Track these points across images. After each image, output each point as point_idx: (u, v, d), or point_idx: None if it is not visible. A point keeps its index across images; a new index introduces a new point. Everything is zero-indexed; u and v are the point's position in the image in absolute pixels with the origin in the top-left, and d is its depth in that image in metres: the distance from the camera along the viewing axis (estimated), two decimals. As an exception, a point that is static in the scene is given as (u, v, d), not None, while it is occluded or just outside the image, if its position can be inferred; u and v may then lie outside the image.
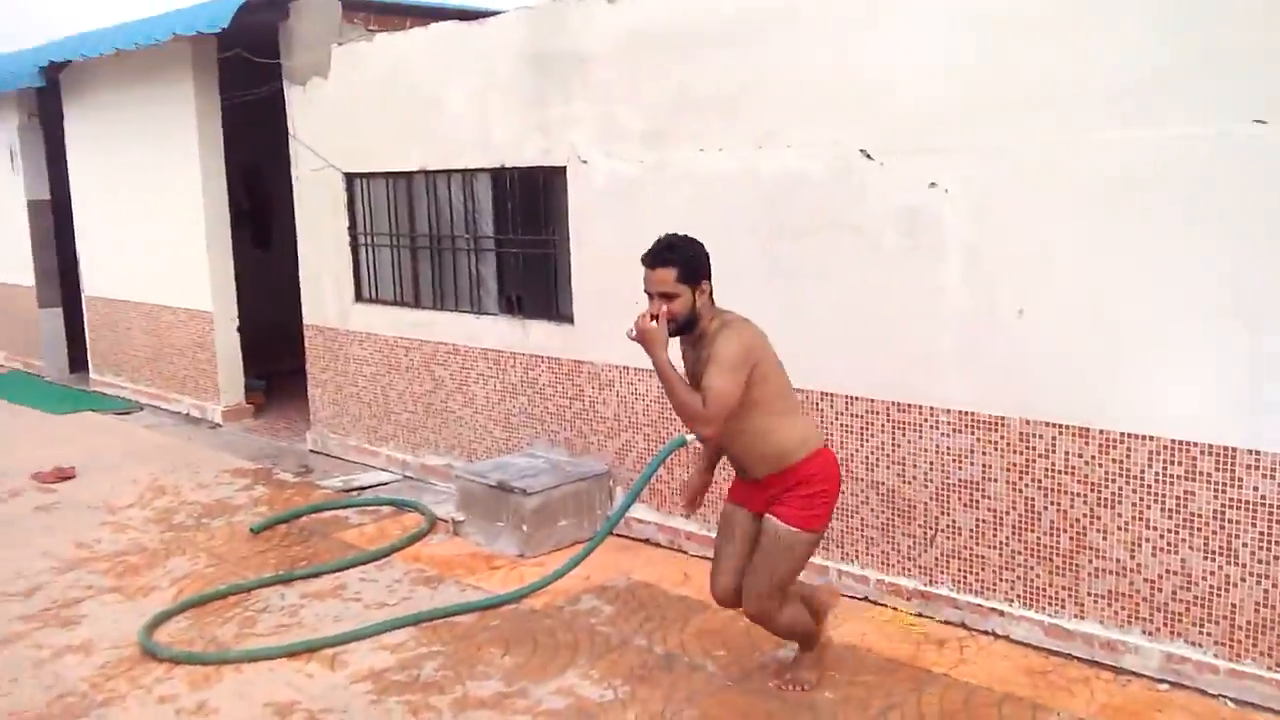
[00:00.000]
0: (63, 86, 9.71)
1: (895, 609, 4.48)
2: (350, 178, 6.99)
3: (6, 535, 5.92)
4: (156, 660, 4.23)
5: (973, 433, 4.20)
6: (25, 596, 5.00)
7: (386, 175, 6.74)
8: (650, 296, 3.49)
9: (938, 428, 4.30)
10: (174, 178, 8.55)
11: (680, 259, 3.47)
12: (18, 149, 10.69)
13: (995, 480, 4.16)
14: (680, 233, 3.58)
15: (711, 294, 3.56)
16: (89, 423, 8.86)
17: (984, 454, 4.18)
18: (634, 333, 3.47)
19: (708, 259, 3.54)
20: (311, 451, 7.61)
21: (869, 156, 4.33)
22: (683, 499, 3.99)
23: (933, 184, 4.15)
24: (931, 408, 4.31)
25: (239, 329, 8.61)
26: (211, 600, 4.84)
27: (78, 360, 10.69)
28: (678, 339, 3.54)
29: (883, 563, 4.55)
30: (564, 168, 5.54)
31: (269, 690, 3.96)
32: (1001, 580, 4.21)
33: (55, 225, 10.72)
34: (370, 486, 6.64)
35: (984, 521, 4.22)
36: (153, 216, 8.95)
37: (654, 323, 3.44)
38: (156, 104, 8.63)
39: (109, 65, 8.86)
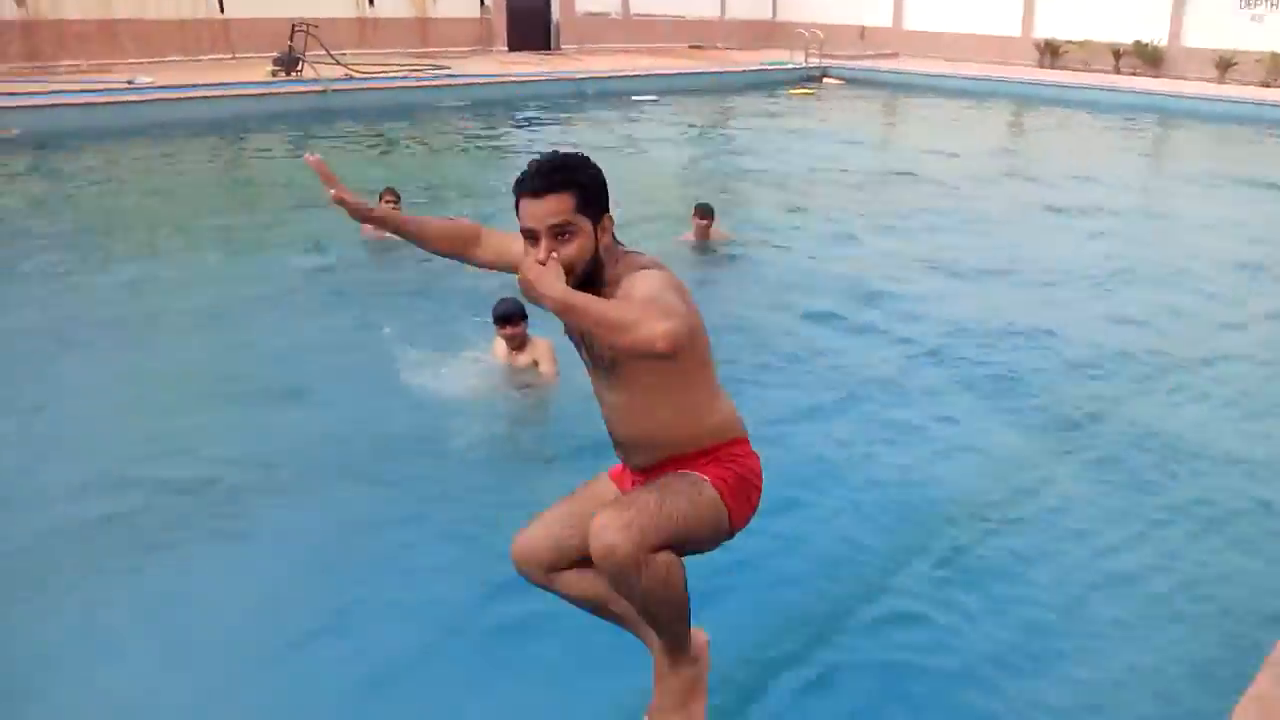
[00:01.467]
0: None
1: None
2: None
3: None
4: None
5: None
6: None
7: None
8: (532, 239, 2.37)
9: None
10: None
11: (580, 180, 2.38)
12: None
13: None
14: (567, 149, 2.50)
15: (614, 234, 2.51)
16: None
17: None
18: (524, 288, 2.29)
19: (606, 184, 2.47)
20: None
21: None
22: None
23: None
24: None
25: None
26: None
27: None
28: None
29: None
30: None
31: None
32: None
33: None
34: None
35: None
36: None
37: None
38: None
39: None
